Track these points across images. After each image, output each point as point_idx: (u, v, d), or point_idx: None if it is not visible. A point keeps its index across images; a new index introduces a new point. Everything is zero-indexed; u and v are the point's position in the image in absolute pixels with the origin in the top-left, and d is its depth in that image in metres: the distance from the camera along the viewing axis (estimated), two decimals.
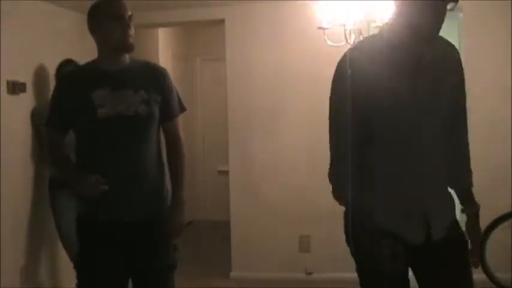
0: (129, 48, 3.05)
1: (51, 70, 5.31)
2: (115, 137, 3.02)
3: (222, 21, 6.31)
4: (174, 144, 3.29)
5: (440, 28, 2.55)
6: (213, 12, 6.30)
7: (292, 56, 6.08)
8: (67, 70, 5.04)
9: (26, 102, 5.19)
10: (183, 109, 3.32)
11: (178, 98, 3.30)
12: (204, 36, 8.83)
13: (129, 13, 3.03)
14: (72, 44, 5.82)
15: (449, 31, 7.62)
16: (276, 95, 6.13)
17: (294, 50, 6.07)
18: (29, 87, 5.22)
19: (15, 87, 5.01)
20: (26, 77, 5.19)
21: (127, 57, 3.12)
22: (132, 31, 3.03)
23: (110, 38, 3.02)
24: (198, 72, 9.23)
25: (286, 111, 6.12)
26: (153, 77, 3.15)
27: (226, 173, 6.43)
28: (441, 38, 2.66)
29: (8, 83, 4.94)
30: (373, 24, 5.04)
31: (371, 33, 5.51)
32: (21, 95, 5.10)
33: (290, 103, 6.09)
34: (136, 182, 3.06)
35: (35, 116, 5.21)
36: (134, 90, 3.04)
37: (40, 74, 5.37)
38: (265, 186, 6.16)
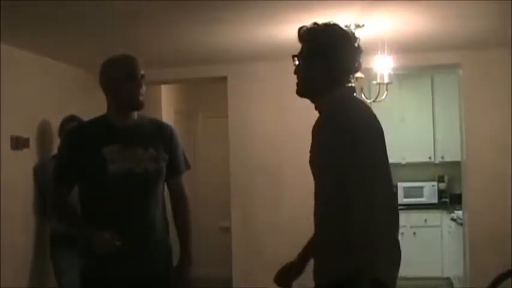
0: (139, 106, 3.09)
1: (55, 126, 5.35)
2: (125, 193, 3.02)
3: (224, 78, 6.38)
4: (180, 201, 3.32)
5: None
6: (215, 70, 6.38)
7: (293, 114, 6.12)
8: (71, 126, 5.08)
9: (28, 157, 5.21)
10: (188, 167, 3.36)
11: (184, 155, 3.33)
12: (206, 93, 8.89)
13: (142, 72, 3.08)
14: (75, 100, 5.88)
15: (449, 87, 7.71)
16: (277, 152, 6.16)
17: (294, 107, 6.06)
18: (32, 143, 5.25)
19: (19, 143, 5.05)
20: (29, 132, 5.23)
21: (135, 114, 3.15)
22: (143, 90, 3.08)
23: (121, 95, 3.05)
24: (200, 129, 9.26)
25: (287, 168, 6.13)
26: (161, 135, 3.19)
27: (228, 229, 6.40)
28: None
29: (11, 138, 4.98)
30: (374, 82, 5.11)
31: (372, 89, 5.60)
32: (25, 150, 5.13)
33: (291, 160, 6.11)
34: (145, 237, 3.07)
35: (37, 171, 5.22)
36: (144, 148, 3.08)
37: (43, 129, 5.41)
38: (267, 242, 6.13)
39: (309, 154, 2.60)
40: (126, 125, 3.10)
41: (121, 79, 3.03)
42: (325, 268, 2.53)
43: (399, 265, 2.60)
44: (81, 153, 3.04)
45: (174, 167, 3.24)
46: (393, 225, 2.58)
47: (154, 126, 3.23)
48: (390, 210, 2.56)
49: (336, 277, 2.46)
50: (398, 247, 2.58)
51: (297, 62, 2.70)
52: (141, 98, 3.06)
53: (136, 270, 3.05)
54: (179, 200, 3.32)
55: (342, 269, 2.44)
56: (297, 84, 2.73)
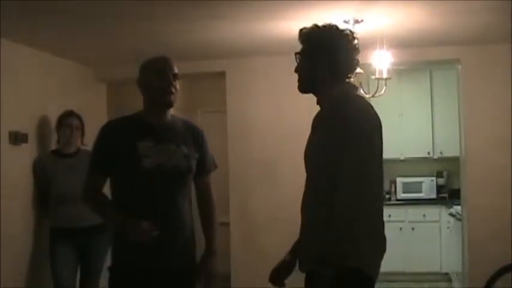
0: (168, 104, 3.19)
1: (53, 121, 5.34)
2: (157, 187, 3.12)
3: (223, 73, 6.38)
4: (207, 199, 3.52)
5: None
6: (214, 65, 6.38)
7: (291, 108, 6.12)
8: (68, 121, 5.12)
9: (27, 152, 5.21)
10: (215, 166, 3.57)
11: (211, 155, 3.49)
12: (204, 88, 8.89)
13: (175, 71, 3.19)
14: (74, 95, 5.87)
15: (448, 82, 7.70)
16: (276, 147, 6.16)
17: (292, 102, 6.09)
18: (31, 138, 5.26)
19: (17, 138, 5.05)
20: (28, 127, 5.23)
21: (169, 114, 3.26)
22: (174, 89, 3.17)
23: (152, 94, 3.17)
24: (199, 124, 9.20)
25: (285, 163, 6.13)
26: (192, 135, 3.33)
27: (227, 224, 6.40)
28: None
29: (10, 133, 4.99)
30: (373, 77, 5.11)
31: (370, 84, 5.60)
32: (23, 145, 5.14)
33: (289, 155, 6.10)
34: (175, 230, 3.15)
35: (36, 166, 5.23)
36: (176, 145, 3.20)
37: (42, 125, 5.41)
38: (265, 238, 6.12)
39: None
40: (160, 123, 3.21)
41: (151, 78, 3.16)
42: (309, 257, 2.75)
43: (382, 258, 2.70)
44: (116, 146, 3.13)
45: (203, 166, 3.40)
46: (380, 220, 2.69)
47: (187, 127, 3.36)
48: (378, 206, 2.68)
49: (320, 265, 2.62)
50: (385, 242, 2.69)
51: (298, 60, 2.83)
52: (170, 97, 3.16)
53: (168, 263, 3.13)
54: (206, 197, 3.51)
55: (325, 258, 2.60)
56: (299, 81, 2.87)
